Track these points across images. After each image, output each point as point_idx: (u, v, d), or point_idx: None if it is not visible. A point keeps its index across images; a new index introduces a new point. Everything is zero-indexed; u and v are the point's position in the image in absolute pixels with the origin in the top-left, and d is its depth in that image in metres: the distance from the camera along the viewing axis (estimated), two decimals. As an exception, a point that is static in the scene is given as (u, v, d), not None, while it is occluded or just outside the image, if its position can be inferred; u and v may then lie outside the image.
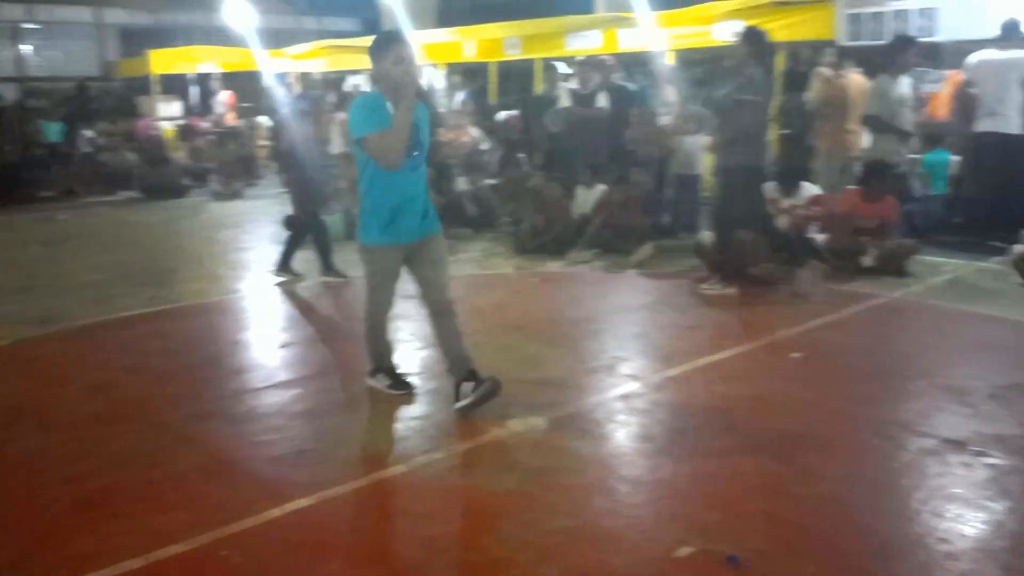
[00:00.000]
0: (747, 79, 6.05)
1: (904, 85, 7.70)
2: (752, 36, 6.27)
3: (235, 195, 12.73)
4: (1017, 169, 7.62)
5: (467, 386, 4.00)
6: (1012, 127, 7.28)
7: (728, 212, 6.27)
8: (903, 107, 7.36)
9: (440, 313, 4.10)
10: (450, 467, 3.56)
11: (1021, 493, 3.22)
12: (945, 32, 7.96)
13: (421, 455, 3.65)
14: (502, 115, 11.66)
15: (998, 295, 6.10)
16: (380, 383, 4.32)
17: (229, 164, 13.62)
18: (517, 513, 3.15)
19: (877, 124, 7.40)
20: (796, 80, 9.65)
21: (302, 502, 3.23)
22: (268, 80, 16.71)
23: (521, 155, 9.85)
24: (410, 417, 4.10)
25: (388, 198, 3.88)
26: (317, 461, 3.63)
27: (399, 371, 4.40)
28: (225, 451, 3.77)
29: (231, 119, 16.33)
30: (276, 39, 19.89)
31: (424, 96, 3.80)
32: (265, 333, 5.72)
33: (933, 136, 8.20)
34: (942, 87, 8.58)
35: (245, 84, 17.41)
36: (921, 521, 3.04)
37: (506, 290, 6.85)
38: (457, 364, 4.07)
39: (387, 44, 3.83)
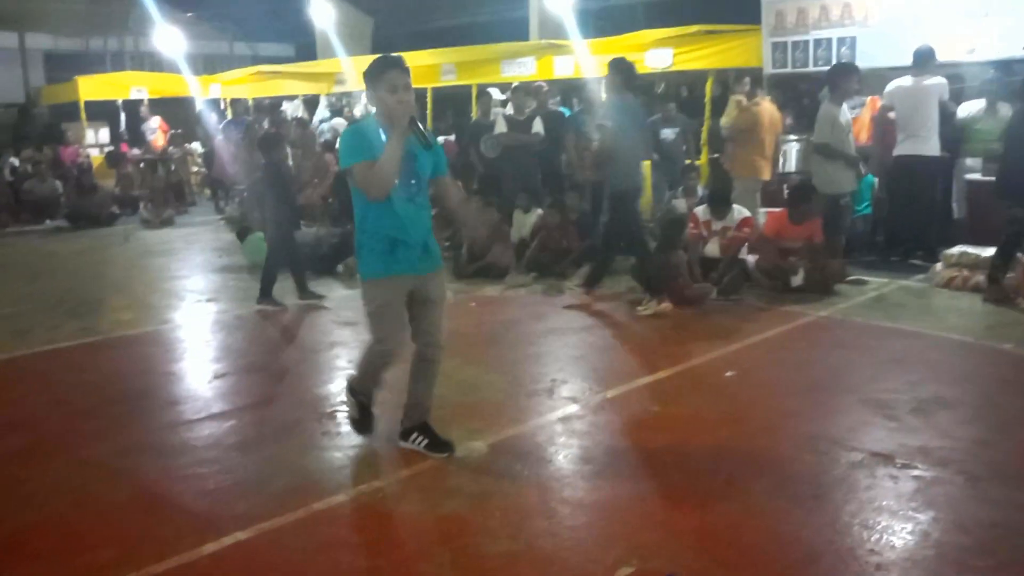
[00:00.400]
0: (615, 106, 6.53)
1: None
2: (621, 66, 6.67)
3: (166, 223, 12.49)
4: (934, 189, 7.96)
5: (417, 437, 3.89)
6: (929, 149, 7.60)
7: (614, 231, 6.73)
8: (849, 134, 7.38)
9: (426, 357, 3.86)
10: (389, 495, 3.54)
11: (945, 503, 3.34)
12: (864, 60, 8.26)
13: (361, 483, 3.62)
14: (439, 140, 11.71)
15: (920, 311, 6.33)
16: (349, 405, 4.09)
17: (159, 191, 13.37)
18: (457, 538, 3.14)
19: (827, 152, 7.22)
20: (725, 106, 9.93)
21: (239, 535, 3.17)
22: (201, 106, 16.52)
23: (457, 181, 9.88)
24: (349, 445, 4.07)
25: (384, 228, 3.60)
26: (254, 493, 3.56)
27: (368, 415, 4.06)
28: (157, 485, 3.68)
29: (162, 145, 16.05)
30: (209, 65, 19.72)
31: (417, 124, 3.50)
32: (199, 363, 5.61)
33: (861, 157, 8.48)
34: (862, 112, 8.91)
35: (177, 110, 17.15)
36: (852, 533, 3.12)
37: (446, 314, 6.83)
38: (416, 411, 3.92)
39: (382, 70, 3.57)
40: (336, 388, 4.91)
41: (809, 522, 3.22)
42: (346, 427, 4.27)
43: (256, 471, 3.79)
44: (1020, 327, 5.84)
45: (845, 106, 7.42)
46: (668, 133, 9.36)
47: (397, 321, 3.73)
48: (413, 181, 3.64)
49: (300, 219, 7.82)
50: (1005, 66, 8.02)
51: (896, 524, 3.17)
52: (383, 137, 3.53)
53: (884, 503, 3.34)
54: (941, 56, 7.64)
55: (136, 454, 4.00)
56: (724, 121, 9.14)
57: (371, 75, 3.59)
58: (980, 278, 6.85)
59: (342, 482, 3.64)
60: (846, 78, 7.28)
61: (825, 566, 2.93)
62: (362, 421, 4.04)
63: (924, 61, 7.57)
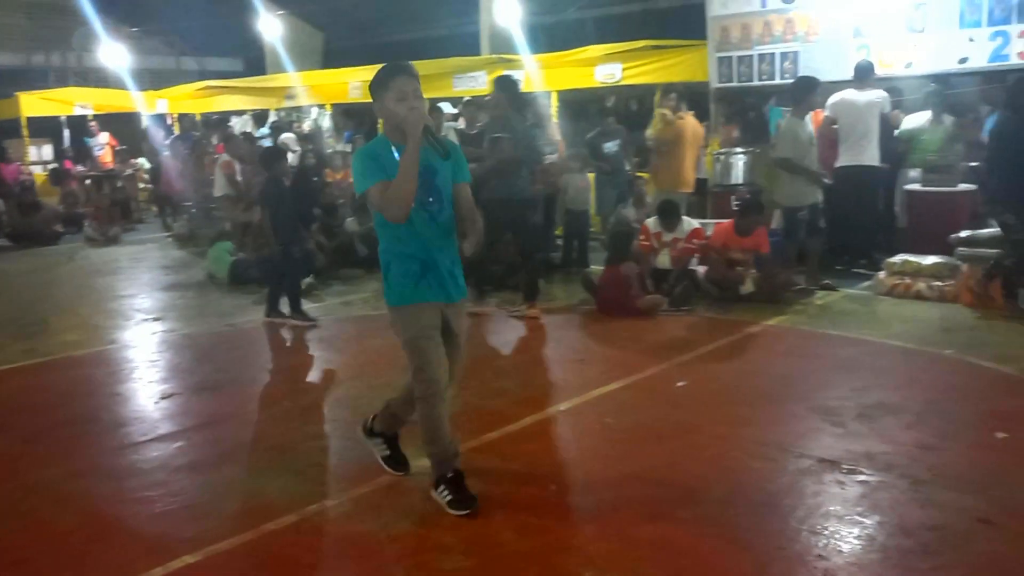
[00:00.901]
0: (503, 120, 6.80)
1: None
2: (506, 83, 6.98)
3: (112, 241, 12.26)
4: (875, 199, 8.18)
5: (381, 446, 3.79)
6: (869, 160, 7.80)
7: (528, 241, 7.06)
8: (812, 147, 7.35)
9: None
10: (342, 514, 3.51)
11: (889, 507, 3.41)
12: (806, 73, 8.46)
13: (313, 503, 3.58)
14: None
15: (864, 319, 6.48)
16: (439, 498, 3.46)
17: (105, 208, 13.12)
18: (410, 556, 3.13)
19: (789, 166, 7.25)
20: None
21: (188, 559, 3.12)
22: (147, 122, 16.28)
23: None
24: (301, 465, 4.02)
25: (413, 251, 3.31)
26: (203, 515, 3.51)
27: (464, 483, 3.47)
28: (104, 509, 3.60)
29: (110, 162, 15.78)
30: (155, 80, 19.42)
31: (432, 132, 3.21)
32: (146, 384, 5.50)
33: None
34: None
35: (122, 126, 16.87)
36: (800, 539, 3.18)
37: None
38: (391, 420, 3.75)
39: (386, 79, 3.26)
40: (287, 406, 4.86)
41: (760, 529, 3.27)
42: (298, 446, 4.24)
43: (205, 493, 3.73)
44: (960, 333, 6.01)
45: (808, 119, 7.47)
46: (610, 146, 9.48)
47: (436, 349, 3.35)
48: (431, 198, 3.31)
49: (302, 235, 7.78)
50: (942, 79, 8.29)
51: (843, 529, 3.24)
52: (396, 155, 3.25)
53: (831, 508, 3.41)
54: (880, 70, 7.87)
55: (83, 478, 3.92)
56: (649, 133, 9.28)
57: (377, 85, 3.31)
58: (922, 285, 7.05)
59: (293, 502, 3.59)
60: (808, 92, 7.32)
61: (776, 573, 2.97)
62: (461, 498, 3.43)
63: (864, 75, 7.78)
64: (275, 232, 6.77)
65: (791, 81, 8.68)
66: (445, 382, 3.37)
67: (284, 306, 6.94)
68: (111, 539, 3.34)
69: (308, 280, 8.06)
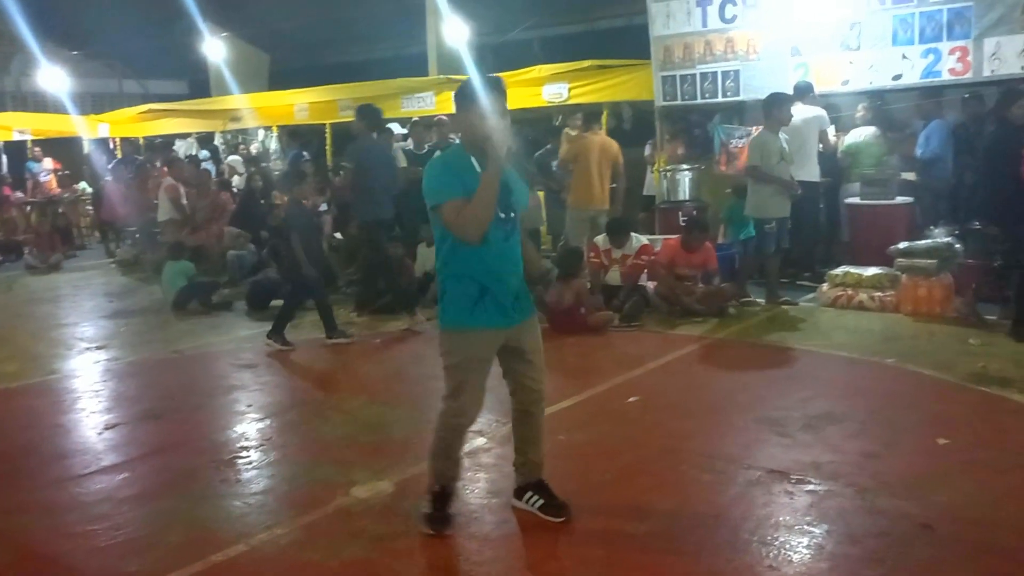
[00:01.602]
0: (360, 146, 7.31)
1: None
2: (366, 112, 7.39)
3: (53, 268, 11.97)
4: (817, 213, 8.36)
5: (532, 497, 3.51)
6: (808, 175, 7.97)
7: (374, 261, 7.46)
8: (782, 161, 7.37)
9: (527, 411, 3.45)
10: (292, 541, 3.45)
11: (837, 516, 3.47)
12: (747, 91, 8.64)
13: (261, 531, 3.52)
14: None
15: (808, 330, 6.61)
16: (421, 504, 3.46)
17: (45, 235, 12.81)
18: (363, 582, 3.09)
19: (757, 174, 7.39)
20: (620, 137, 10.19)
21: (132, 594, 3.04)
22: (89, 146, 15.97)
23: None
24: (250, 493, 3.96)
25: (474, 272, 3.19)
26: (148, 548, 3.42)
27: (451, 504, 3.46)
28: (43, 546, 3.49)
29: (55, 187, 15.43)
30: (97, 103, 19.07)
31: (510, 153, 3.16)
32: (88, 414, 5.36)
33: (740, 186, 8.84)
34: (747, 142, 9.30)
35: (63, 151, 16.53)
36: (751, 550, 3.21)
37: (348, 353, 6.75)
38: (527, 468, 3.53)
39: (474, 94, 3.18)
40: (235, 433, 4.78)
41: (710, 542, 3.29)
42: (246, 473, 4.17)
43: (151, 525, 3.64)
44: (901, 342, 6.16)
45: (783, 134, 7.50)
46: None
47: (478, 381, 3.26)
48: (503, 215, 3.21)
49: (324, 256, 7.81)
50: (877, 96, 8.53)
51: (792, 539, 3.28)
52: (477, 168, 3.14)
53: (781, 518, 3.45)
54: (818, 87, 8.07)
55: (20, 514, 3.79)
56: (561, 153, 9.40)
57: (463, 97, 3.20)
58: (863, 296, 7.21)
59: (242, 531, 3.53)
60: (779, 107, 7.40)
61: (726, 585, 3.00)
62: (437, 516, 3.38)
63: (803, 93, 7.97)
64: (304, 254, 6.69)
65: (735, 99, 8.88)
66: (474, 416, 3.33)
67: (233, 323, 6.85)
68: (51, 576, 3.24)
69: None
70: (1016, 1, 7.18)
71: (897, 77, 7.85)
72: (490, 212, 3.09)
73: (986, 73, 7.43)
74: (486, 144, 3.10)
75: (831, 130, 8.57)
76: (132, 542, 3.48)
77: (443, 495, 3.40)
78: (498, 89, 3.20)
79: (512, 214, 3.25)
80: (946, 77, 7.67)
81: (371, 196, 7.23)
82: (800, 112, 8.03)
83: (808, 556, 3.17)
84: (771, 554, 3.16)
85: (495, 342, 3.27)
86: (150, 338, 7.41)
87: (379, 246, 7.39)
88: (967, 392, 5.06)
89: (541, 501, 3.47)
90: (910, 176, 8.34)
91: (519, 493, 3.54)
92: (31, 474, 4.31)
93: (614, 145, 8.58)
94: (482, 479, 4.02)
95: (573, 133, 9.15)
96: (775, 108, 7.39)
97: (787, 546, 3.22)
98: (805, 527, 3.38)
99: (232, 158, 13.79)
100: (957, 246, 7.03)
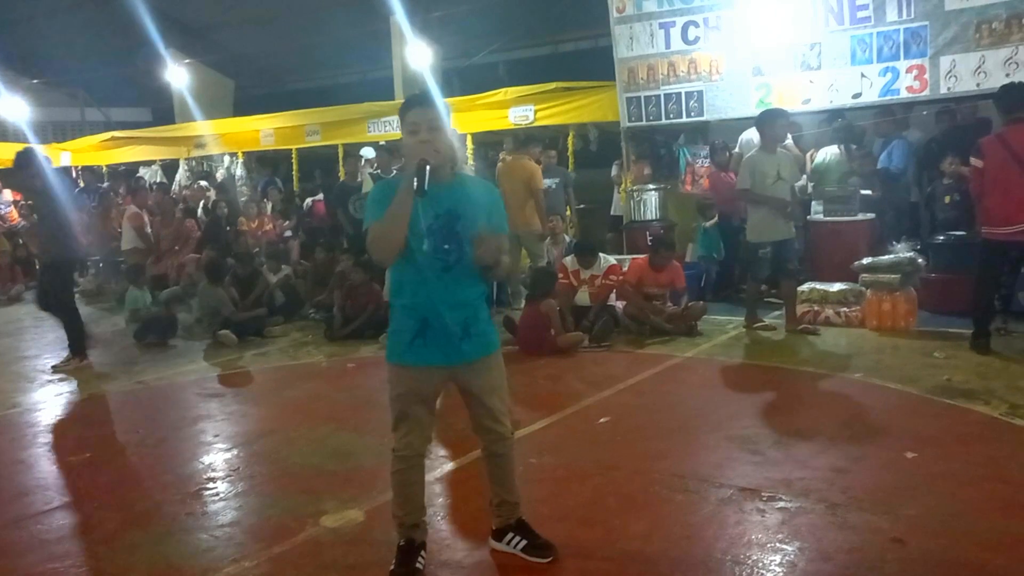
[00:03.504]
0: (31, 191, 7.49)
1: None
2: (22, 158, 7.31)
3: (14, 299, 11.76)
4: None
5: (513, 538, 3.34)
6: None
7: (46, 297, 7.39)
8: (779, 180, 6.98)
9: (492, 452, 3.28)
10: (261, 574, 3.38)
11: (808, 533, 3.47)
12: (711, 112, 8.77)
13: (228, 565, 3.44)
14: (308, 202, 11.59)
15: (776, 347, 6.67)
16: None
17: (6, 267, 12.59)
18: (333, 614, 3.03)
19: (750, 197, 7.00)
20: (586, 158, 10.27)
21: (95, 634, 2.96)
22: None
23: (323, 241, 9.83)
24: (216, 525, 3.87)
25: (416, 303, 3.01)
26: (112, 586, 3.34)
27: (417, 559, 3.19)
28: (2, 587, 3.39)
29: (14, 218, 15.17)
30: (58, 132, 18.86)
31: (422, 170, 2.85)
32: (50, 449, 5.24)
33: (706, 205, 8.94)
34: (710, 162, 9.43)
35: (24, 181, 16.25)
36: (724, 570, 3.20)
37: (318, 380, 6.70)
38: (504, 509, 3.37)
39: (403, 112, 3.02)
40: (201, 464, 4.70)
41: (683, 562, 3.28)
42: (213, 506, 4.09)
43: (114, 562, 3.55)
44: (867, 357, 6.23)
45: (782, 152, 7.26)
46: (548, 183, 9.62)
47: (419, 415, 3.10)
48: (447, 246, 2.96)
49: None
50: (839, 114, 8.69)
51: (765, 557, 3.28)
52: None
53: (753, 537, 3.45)
54: (780, 107, 8.18)
55: (-23, 555, 3.68)
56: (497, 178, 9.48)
57: (400, 120, 3.08)
58: (829, 312, 7.30)
59: (208, 565, 3.45)
60: (771, 124, 7.05)
61: (700, 606, 2.99)
62: (399, 573, 3.15)
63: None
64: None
65: (699, 119, 8.98)
66: (420, 449, 3.13)
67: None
68: (10, 618, 3.14)
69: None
70: (969, 20, 7.37)
71: (857, 96, 8.02)
72: (394, 232, 2.87)
73: (943, 90, 7.61)
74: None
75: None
76: (95, 580, 3.39)
77: (408, 549, 3.18)
78: (420, 104, 3.00)
79: (448, 245, 2.97)
80: (904, 95, 7.85)
81: (59, 236, 7.25)
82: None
83: (781, 574, 3.16)
84: (744, 573, 3.16)
85: (435, 379, 3.11)
86: (114, 369, 7.28)
87: (60, 286, 7.37)
88: (933, 405, 5.12)
89: (524, 542, 3.32)
90: (868, 192, 8.49)
91: (498, 535, 3.38)
92: (-10, 512, 4.19)
93: (527, 168, 8.56)
94: (452, 506, 3.98)
95: (508, 158, 9.20)
96: (767, 125, 7.07)
97: (760, 564, 3.22)
98: (777, 544, 3.38)
99: (201, 183, 13.66)
100: (920, 260, 7.15)
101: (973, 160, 6.17)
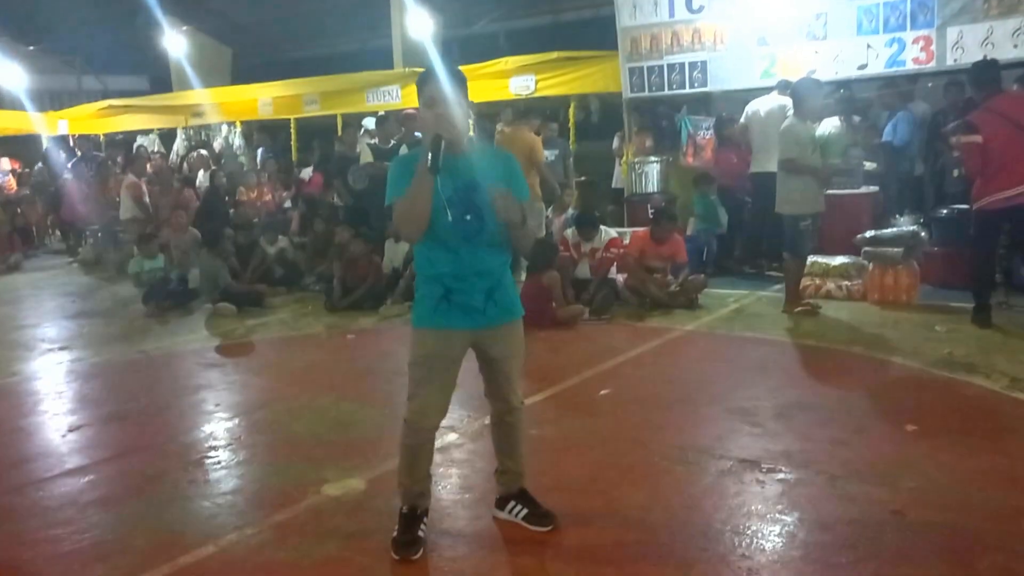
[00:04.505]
0: None
1: (825, 127, 7.68)
2: None
3: (13, 268, 11.73)
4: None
5: (515, 507, 3.38)
6: (775, 166, 8.02)
7: None
8: (816, 151, 6.71)
9: (503, 421, 3.33)
10: (263, 541, 3.39)
11: (808, 504, 3.49)
12: (714, 83, 8.69)
13: (231, 532, 3.45)
14: (308, 171, 11.51)
15: (777, 321, 6.66)
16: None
17: (4, 235, 12.56)
18: (335, 582, 3.05)
19: (794, 167, 6.52)
20: (588, 130, 10.20)
21: (98, 600, 2.97)
22: (47, 144, 15.67)
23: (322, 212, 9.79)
24: (219, 493, 3.89)
25: (438, 271, 3.05)
26: (114, 552, 3.34)
27: (419, 527, 3.21)
28: (3, 552, 3.39)
29: (12, 187, 15.13)
30: (55, 100, 18.71)
31: (438, 143, 2.86)
32: (51, 417, 5.24)
33: (706, 177, 8.88)
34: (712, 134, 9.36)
35: (20, 149, 16.20)
36: (723, 540, 3.21)
37: (318, 350, 6.70)
38: (507, 478, 3.40)
39: (421, 82, 3.02)
40: (203, 433, 4.71)
41: (683, 532, 3.29)
42: (214, 474, 4.11)
43: (116, 529, 3.56)
44: (868, 330, 6.23)
45: (829, 123, 7.07)
46: (548, 155, 9.56)
47: (436, 382, 3.12)
48: (468, 216, 2.99)
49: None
50: (843, 85, 8.61)
51: (764, 528, 3.29)
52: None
53: (753, 508, 3.46)
54: (785, 78, 8.12)
55: (-20, 521, 3.70)
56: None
57: (417, 91, 3.07)
58: (831, 285, 7.28)
59: (211, 533, 3.46)
60: (809, 93, 6.63)
61: (699, 574, 3.00)
62: (402, 540, 3.16)
63: (780, 87, 8.01)
64: None
65: (702, 90, 8.90)
66: (435, 421, 3.16)
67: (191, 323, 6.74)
68: (12, 584, 3.15)
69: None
70: (977, -10, 7.28)
71: (862, 67, 7.95)
72: (419, 209, 2.91)
73: (949, 62, 7.54)
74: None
75: None
76: (97, 547, 3.40)
77: (411, 517, 3.21)
78: (438, 77, 3.00)
79: (470, 216, 2.99)
80: (910, 66, 7.78)
81: None
82: (765, 103, 8.08)
83: (780, 544, 3.18)
84: (744, 543, 3.17)
85: (458, 343, 3.11)
86: (114, 338, 7.28)
87: None
88: (934, 378, 5.12)
89: (525, 511, 3.35)
90: (872, 165, 8.44)
91: (501, 503, 3.41)
92: (-9, 479, 4.21)
93: (527, 139, 8.51)
94: (455, 474, 3.99)
95: (507, 130, 9.15)
96: (803, 94, 6.63)
97: (759, 535, 3.23)
98: (777, 515, 3.39)
99: (201, 152, 13.59)
100: (922, 234, 7.13)
101: (967, 137, 6.08)
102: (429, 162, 2.83)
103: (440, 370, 3.11)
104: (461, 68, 10.85)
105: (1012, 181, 5.85)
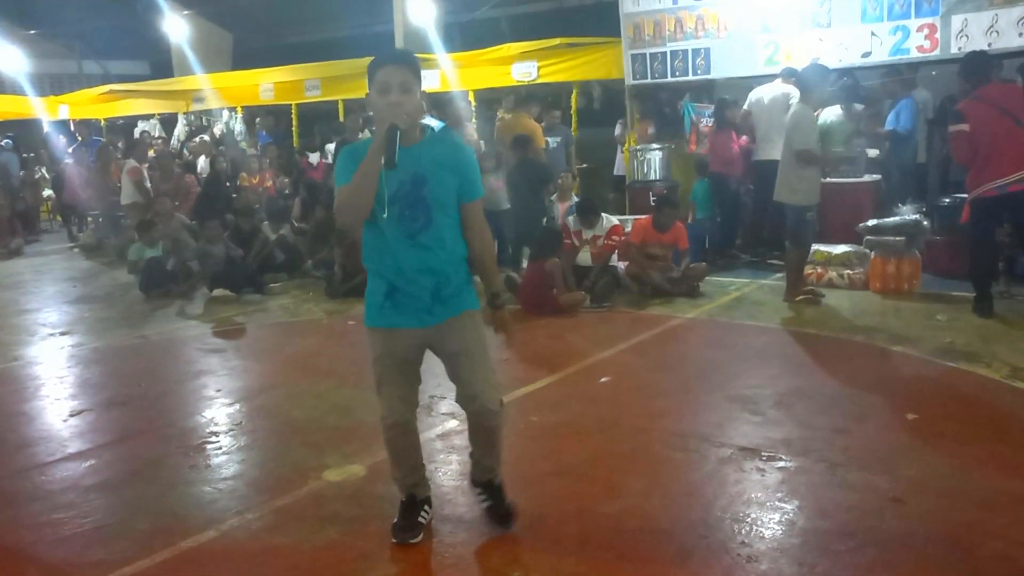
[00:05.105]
0: None
1: (827, 115, 7.79)
2: None
3: (14, 253, 11.73)
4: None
5: (481, 495, 3.31)
6: (778, 154, 8.00)
7: None
8: (822, 140, 6.77)
9: (473, 421, 3.14)
10: (264, 527, 3.40)
11: (808, 491, 3.49)
12: (717, 70, 8.65)
13: (232, 517, 3.47)
14: (315, 158, 11.47)
15: (778, 309, 6.65)
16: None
17: (5, 220, 12.55)
18: (335, 566, 3.05)
19: (811, 157, 6.43)
20: (590, 116, 10.17)
21: (99, 583, 2.98)
22: (48, 128, 15.64)
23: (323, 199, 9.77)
24: (220, 478, 3.90)
25: (383, 269, 2.92)
26: (116, 536, 3.36)
27: (420, 514, 3.22)
28: (5, 537, 3.41)
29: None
30: (56, 84, 18.67)
31: (392, 135, 2.70)
32: (53, 401, 5.25)
33: (707, 165, 8.85)
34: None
35: (21, 133, 16.16)
36: (723, 527, 3.22)
37: (318, 336, 6.70)
38: (478, 470, 3.29)
39: (373, 67, 2.83)
40: (204, 418, 4.71)
41: (682, 519, 3.30)
42: (216, 459, 4.12)
43: (117, 513, 3.57)
44: (869, 319, 6.23)
45: (831, 111, 7.17)
46: (550, 141, 9.52)
47: (396, 380, 3.02)
48: (413, 213, 2.83)
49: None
50: (847, 73, 8.57)
51: (764, 515, 3.30)
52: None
53: (752, 495, 3.47)
54: (788, 65, 8.08)
55: (-18, 504, 3.71)
56: (496, 135, 9.48)
57: (368, 78, 2.87)
58: (832, 274, 7.27)
59: (212, 517, 3.48)
60: (817, 80, 6.56)
61: (699, 561, 3.00)
62: (402, 525, 3.18)
63: (786, 73, 7.96)
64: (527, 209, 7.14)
65: (705, 77, 8.85)
66: (402, 415, 3.04)
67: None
68: (12, 568, 3.16)
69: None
70: (983, -23, 7.23)
71: (866, 55, 7.91)
72: (360, 198, 2.74)
73: (953, 50, 7.50)
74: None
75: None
76: (98, 531, 3.41)
77: (410, 504, 3.20)
78: (392, 62, 2.82)
79: (409, 212, 2.83)
80: (914, 55, 7.74)
81: None
82: (769, 91, 8.05)
83: (780, 532, 3.18)
84: (743, 530, 3.18)
85: (407, 342, 2.98)
86: (115, 324, 7.29)
87: None
88: (935, 367, 5.12)
89: (488, 503, 3.28)
90: (875, 153, 8.41)
91: (473, 483, 3.36)
92: (-7, 463, 4.22)
93: (527, 126, 8.51)
94: (455, 461, 4.00)
95: (507, 117, 9.13)
96: (811, 81, 6.56)
97: (759, 522, 3.24)
98: (777, 503, 3.39)
99: (204, 137, 13.56)
100: (925, 223, 7.11)
101: (956, 127, 6.07)
102: (384, 155, 2.68)
103: (393, 368, 3.01)
104: (464, 54, 10.82)
105: (1004, 169, 5.84)
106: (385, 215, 2.81)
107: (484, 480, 3.28)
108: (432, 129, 2.94)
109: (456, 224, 2.93)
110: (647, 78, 9.18)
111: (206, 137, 13.71)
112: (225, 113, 14.32)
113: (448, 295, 2.94)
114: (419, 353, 3.06)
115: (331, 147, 11.41)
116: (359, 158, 2.76)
